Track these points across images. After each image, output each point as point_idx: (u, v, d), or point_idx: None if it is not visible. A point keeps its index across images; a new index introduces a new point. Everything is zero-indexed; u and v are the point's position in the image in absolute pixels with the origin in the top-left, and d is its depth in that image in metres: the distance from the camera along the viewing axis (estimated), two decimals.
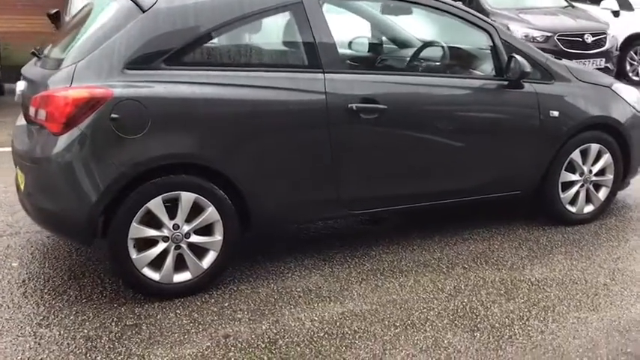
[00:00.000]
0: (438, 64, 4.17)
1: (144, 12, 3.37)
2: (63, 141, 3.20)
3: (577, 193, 4.54)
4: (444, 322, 3.29)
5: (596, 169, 4.55)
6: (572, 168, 4.48)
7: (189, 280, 3.51)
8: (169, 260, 3.44)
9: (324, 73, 3.62)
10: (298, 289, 3.62)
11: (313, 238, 4.31)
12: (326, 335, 3.16)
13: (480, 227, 4.51)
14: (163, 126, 3.30)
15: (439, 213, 4.60)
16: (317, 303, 3.48)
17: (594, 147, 4.49)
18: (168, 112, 3.32)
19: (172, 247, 3.44)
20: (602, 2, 11.32)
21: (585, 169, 4.51)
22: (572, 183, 4.51)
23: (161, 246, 3.42)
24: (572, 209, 4.55)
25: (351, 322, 3.28)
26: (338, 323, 3.28)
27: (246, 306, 3.44)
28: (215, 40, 3.48)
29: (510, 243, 4.29)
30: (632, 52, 10.95)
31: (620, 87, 4.69)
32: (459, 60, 4.22)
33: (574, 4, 10.85)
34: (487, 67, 4.17)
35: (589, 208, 4.62)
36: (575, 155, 4.44)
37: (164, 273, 3.45)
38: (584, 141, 4.44)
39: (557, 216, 4.55)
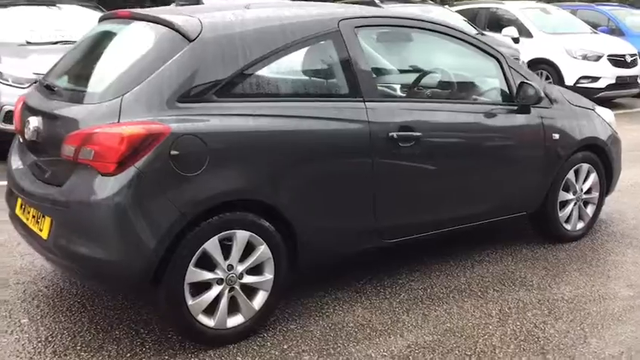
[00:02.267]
0: (458, 91, 4.24)
1: (191, 42, 3.16)
2: (117, 182, 2.91)
3: (571, 211, 4.75)
4: (511, 347, 3.31)
5: (586, 187, 4.80)
6: (566, 187, 4.68)
7: (242, 323, 3.30)
8: (223, 304, 3.22)
9: (364, 101, 3.56)
10: (350, 324, 3.50)
11: (332, 270, 4.19)
12: None
13: (485, 249, 4.59)
14: (221, 161, 3.10)
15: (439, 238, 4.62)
16: (377, 337, 3.38)
17: (585, 166, 4.74)
18: (225, 147, 3.12)
19: (227, 290, 3.22)
20: (503, 30, 12.04)
21: (577, 187, 4.74)
22: (567, 202, 4.71)
23: (216, 289, 3.19)
24: (568, 227, 4.76)
25: (423, 355, 3.22)
26: (410, 357, 3.20)
27: (307, 346, 3.28)
28: (261, 71, 3.32)
29: (524, 263, 4.40)
30: None
31: (600, 109, 4.99)
32: (474, 87, 4.31)
33: (482, 32, 11.46)
34: (496, 93, 4.28)
35: (580, 225, 4.85)
36: (570, 175, 4.66)
37: (219, 318, 3.22)
38: (577, 161, 4.66)
39: (555, 234, 4.73)
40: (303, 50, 3.48)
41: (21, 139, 3.71)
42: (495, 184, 4.23)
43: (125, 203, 2.92)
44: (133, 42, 3.46)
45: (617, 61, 11.58)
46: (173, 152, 2.96)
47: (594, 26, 13.35)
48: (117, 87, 3.09)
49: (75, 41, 7.38)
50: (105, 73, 3.32)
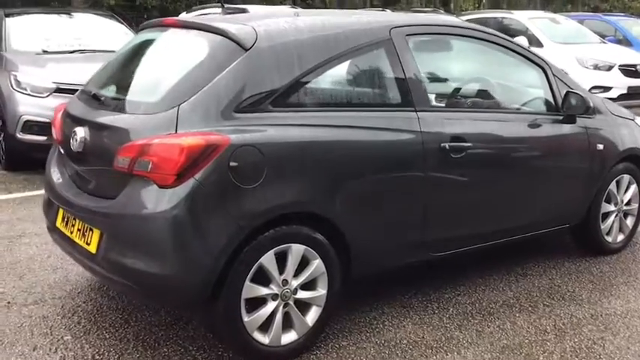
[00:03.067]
0: (505, 100, 4.16)
1: (246, 50, 3.07)
2: (176, 194, 2.81)
3: (612, 223, 4.66)
4: None
5: (626, 198, 4.71)
6: (608, 199, 4.60)
7: (296, 340, 3.20)
8: (278, 320, 3.12)
9: (416, 111, 3.48)
10: (403, 341, 3.40)
11: (376, 284, 4.08)
12: None
13: (527, 262, 4.50)
14: (279, 173, 3.00)
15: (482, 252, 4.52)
16: (433, 355, 3.28)
17: (626, 177, 4.66)
18: (283, 158, 3.03)
19: (281, 306, 3.12)
20: (514, 39, 11.97)
21: (619, 199, 4.66)
22: (608, 214, 4.63)
23: (271, 305, 3.09)
24: (609, 239, 4.68)
25: None
26: None
27: None
28: (316, 80, 3.23)
29: (569, 276, 4.31)
30: None
31: (638, 118, 4.92)
32: (520, 96, 4.23)
33: None
34: (542, 102, 4.20)
35: (621, 237, 4.77)
36: (612, 186, 4.58)
37: (273, 335, 3.12)
38: (618, 172, 4.58)
39: (597, 246, 4.64)
40: (357, 59, 3.40)
41: (62, 150, 3.60)
42: (541, 195, 4.15)
43: (184, 216, 2.82)
44: (185, 51, 3.37)
45: (629, 70, 11.57)
46: (232, 164, 2.87)
47: (601, 36, 13.34)
48: (172, 97, 2.99)
49: (93, 50, 7.41)
50: (157, 83, 3.22)
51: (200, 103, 2.94)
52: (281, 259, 3.09)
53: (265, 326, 3.10)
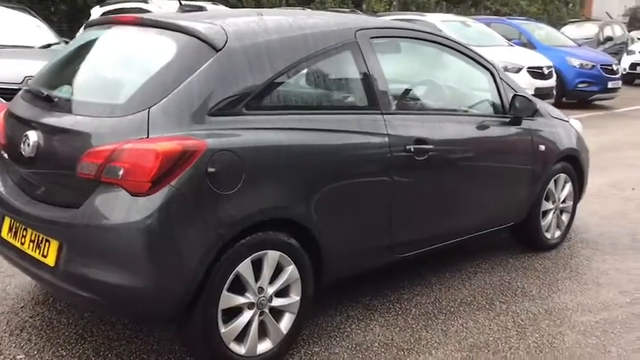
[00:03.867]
0: (460, 103, 4.24)
1: (217, 51, 2.95)
2: (151, 202, 2.66)
3: (550, 220, 4.86)
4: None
5: (562, 196, 4.92)
6: (547, 197, 4.78)
7: (271, 349, 3.12)
8: (254, 329, 3.04)
9: (382, 114, 3.48)
10: (374, 344, 3.39)
11: (335, 287, 4.04)
12: None
13: (473, 260, 4.61)
14: (257, 178, 2.91)
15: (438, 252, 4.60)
16: (407, 357, 3.29)
17: (562, 176, 4.86)
18: (260, 163, 2.94)
19: (257, 314, 3.03)
20: None
21: (557, 197, 4.86)
22: (547, 211, 4.82)
23: (247, 314, 3.00)
24: (548, 235, 4.87)
25: None
26: None
27: None
28: (287, 82, 3.16)
29: (515, 272, 4.45)
30: None
31: (572, 120, 5.15)
32: (473, 99, 4.31)
33: None
34: (491, 105, 4.31)
35: (558, 233, 4.97)
36: (551, 185, 4.77)
37: (249, 345, 3.03)
38: (556, 172, 4.78)
39: (536, 243, 4.82)
40: (325, 61, 3.34)
41: (5, 155, 3.34)
42: (493, 194, 4.26)
43: (160, 225, 2.67)
44: (147, 50, 3.20)
45: (536, 73, 12.13)
46: (210, 169, 2.75)
47: (507, 39, 13.90)
48: (140, 99, 2.83)
49: (6, 45, 6.96)
50: (121, 84, 3.05)
51: (172, 106, 2.80)
52: (256, 267, 3.00)
53: (241, 336, 3.00)
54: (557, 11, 28.74)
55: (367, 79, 3.46)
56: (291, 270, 3.11)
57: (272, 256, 3.02)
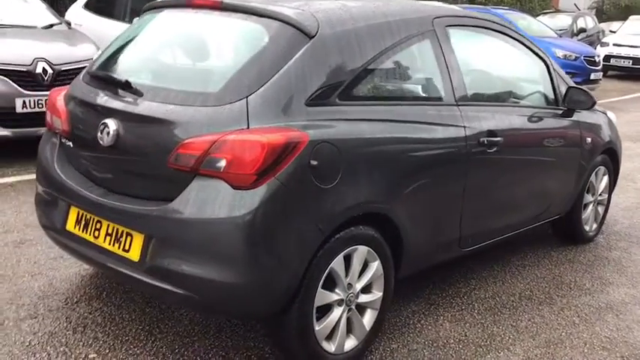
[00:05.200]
0: (522, 94, 4.18)
1: (310, 38, 2.82)
2: (256, 196, 2.53)
3: (589, 212, 4.87)
4: (617, 354, 3.30)
5: (600, 189, 4.94)
6: (587, 190, 4.78)
7: (356, 346, 3.04)
8: (343, 326, 2.95)
9: (457, 105, 3.40)
10: (450, 341, 3.34)
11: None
12: None
13: (517, 254, 4.58)
14: (352, 171, 2.81)
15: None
16: (487, 354, 3.24)
17: (602, 169, 4.87)
18: (356, 155, 2.83)
19: (346, 311, 2.94)
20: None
21: (596, 189, 4.86)
22: (587, 204, 4.82)
23: (337, 311, 2.91)
24: (587, 228, 4.88)
25: None
26: None
27: None
28: (375, 71, 3.05)
29: (563, 266, 4.44)
30: None
31: (608, 112, 5.15)
32: (534, 91, 4.25)
33: None
34: (547, 97, 4.26)
35: (594, 226, 4.99)
36: (592, 177, 4.77)
37: (338, 342, 2.94)
38: (597, 164, 4.78)
39: (577, 236, 4.82)
40: (407, 50, 3.24)
41: (71, 143, 3.16)
42: (550, 186, 4.26)
43: (266, 220, 2.55)
44: (235, 36, 3.04)
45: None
46: (312, 162, 2.64)
47: None
48: (236, 88, 2.69)
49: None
50: (211, 72, 2.92)
51: (270, 96, 2.67)
52: (345, 263, 2.91)
53: (330, 334, 2.91)
54: (529, 2, 29.02)
55: (445, 69, 3.37)
56: (376, 265, 3.03)
57: (361, 252, 2.93)
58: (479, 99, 3.65)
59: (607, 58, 19.36)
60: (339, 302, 2.90)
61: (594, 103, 4.22)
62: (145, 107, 2.80)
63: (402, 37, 3.19)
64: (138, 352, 3.05)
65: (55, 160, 3.22)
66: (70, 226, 3.08)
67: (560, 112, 4.26)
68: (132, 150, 2.82)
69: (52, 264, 3.93)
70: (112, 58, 3.28)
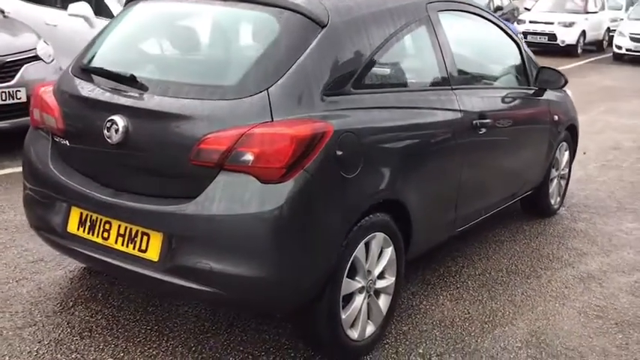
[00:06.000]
0: (500, 75, 4.29)
1: (322, 27, 2.80)
2: (285, 189, 2.50)
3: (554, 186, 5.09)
4: (613, 322, 3.49)
5: (563, 163, 5.16)
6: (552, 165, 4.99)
7: (374, 331, 3.08)
8: (364, 312, 2.98)
9: (452, 89, 3.47)
10: (456, 320, 3.43)
11: None
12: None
13: (491, 229, 4.72)
14: (372, 159, 2.82)
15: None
16: (494, 329, 3.35)
17: (564, 144, 5.09)
18: (374, 143, 2.85)
19: (366, 298, 2.98)
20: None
21: (560, 164, 5.08)
22: (552, 179, 5.03)
23: (359, 298, 2.93)
24: (552, 201, 5.10)
25: (551, 336, 3.27)
26: (542, 338, 3.23)
27: (441, 347, 3.15)
28: (382, 59, 3.05)
29: (537, 239, 4.63)
30: None
31: (567, 89, 5.35)
32: (511, 72, 4.36)
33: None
34: (521, 77, 4.39)
35: (558, 199, 5.22)
36: (557, 154, 4.98)
37: (360, 329, 2.96)
38: (561, 140, 4.99)
39: (544, 209, 5.03)
40: (408, 36, 3.27)
41: (64, 141, 3.02)
42: (527, 163, 4.42)
43: (297, 213, 2.53)
44: (244, 26, 2.97)
45: None
46: (338, 152, 2.63)
47: None
48: (254, 80, 2.64)
49: None
50: (224, 64, 2.84)
51: (290, 87, 2.64)
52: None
53: (353, 321, 2.94)
54: None
55: (440, 55, 3.43)
56: (390, 251, 3.06)
57: (379, 238, 2.96)
58: (468, 82, 3.73)
59: (525, 34, 20.08)
60: (360, 289, 2.92)
61: (566, 82, 4.38)
62: (156, 102, 2.70)
63: (403, 24, 3.21)
64: (154, 352, 2.98)
65: (49, 159, 3.07)
66: (73, 227, 2.95)
67: (532, 91, 4.40)
68: (144, 147, 2.72)
69: (35, 267, 3.76)
70: (107, 51, 3.13)
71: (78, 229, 2.93)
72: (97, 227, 2.86)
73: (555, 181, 5.06)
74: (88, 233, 2.89)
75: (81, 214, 2.93)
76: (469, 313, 3.50)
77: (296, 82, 2.65)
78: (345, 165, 2.67)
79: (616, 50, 18.31)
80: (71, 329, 3.14)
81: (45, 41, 6.44)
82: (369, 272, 2.96)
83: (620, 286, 3.91)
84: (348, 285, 2.83)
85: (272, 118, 2.56)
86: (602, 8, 21.71)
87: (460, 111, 3.45)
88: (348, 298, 2.89)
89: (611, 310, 3.61)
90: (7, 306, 3.33)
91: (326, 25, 2.80)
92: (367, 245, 2.91)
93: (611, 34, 20.96)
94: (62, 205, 2.99)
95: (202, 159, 2.55)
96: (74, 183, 2.94)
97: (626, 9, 24.70)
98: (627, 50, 18.02)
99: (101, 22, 7.77)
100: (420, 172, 3.18)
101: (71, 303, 3.38)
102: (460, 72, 3.59)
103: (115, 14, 7.90)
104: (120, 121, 2.72)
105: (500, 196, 4.21)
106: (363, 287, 2.93)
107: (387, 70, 3.11)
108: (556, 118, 4.68)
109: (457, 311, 3.51)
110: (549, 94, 4.62)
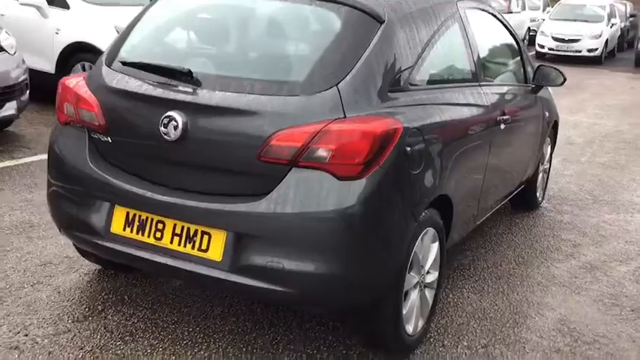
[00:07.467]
0: (510, 73, 4.39)
1: (381, 24, 2.80)
2: (363, 186, 2.48)
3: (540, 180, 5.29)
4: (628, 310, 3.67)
5: (546, 158, 5.37)
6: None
7: (423, 325, 3.11)
8: (417, 307, 3.01)
9: (480, 86, 3.55)
10: (488, 311, 3.51)
11: None
12: None
13: (487, 223, 4.79)
14: (431, 155, 2.85)
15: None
16: (526, 319, 3.45)
17: (548, 140, 5.29)
18: (433, 139, 2.87)
19: (419, 293, 3.01)
20: None
21: (545, 158, 5.29)
22: (539, 172, 5.22)
23: (414, 293, 2.96)
24: (538, 194, 5.30)
25: (579, 325, 3.40)
26: (566, 328, 3.35)
27: (484, 339, 3.22)
28: (430, 55, 3.07)
29: (534, 231, 4.80)
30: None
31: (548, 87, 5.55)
32: (515, 69, 4.48)
33: None
34: (519, 74, 4.52)
35: (542, 193, 5.42)
36: (544, 149, 5.17)
37: (414, 323, 2.99)
38: (546, 135, 5.18)
39: (532, 202, 5.22)
40: (446, 33, 3.29)
41: (108, 138, 2.88)
42: (527, 158, 4.56)
43: (375, 209, 2.53)
44: (301, 21, 2.91)
45: None
46: (407, 149, 2.65)
47: None
48: (322, 76, 2.60)
49: None
50: (288, 59, 2.79)
51: (359, 83, 2.62)
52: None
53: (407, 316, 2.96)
54: None
55: (470, 52, 3.50)
56: (436, 246, 3.11)
57: (430, 234, 3.00)
58: (489, 79, 3.81)
59: None
60: (415, 285, 2.95)
61: (565, 79, 4.55)
62: (219, 98, 2.62)
63: (442, 21, 3.25)
64: (205, 355, 2.90)
65: (87, 156, 2.92)
66: (118, 228, 2.82)
67: (530, 89, 4.55)
68: (205, 144, 2.63)
69: (46, 271, 3.58)
70: (152, 43, 3.01)
71: (124, 229, 2.81)
72: (148, 227, 2.75)
73: (541, 175, 5.24)
74: (137, 233, 2.78)
75: (127, 213, 2.80)
76: (497, 304, 3.59)
77: (364, 78, 2.64)
78: (412, 161, 2.69)
79: (538, 49, 19.09)
80: (111, 334, 3.01)
81: (7, 32, 6.10)
82: (422, 267, 2.98)
83: (623, 275, 4.11)
84: (410, 280, 2.85)
85: (344, 115, 2.54)
86: (524, 8, 22.63)
87: (488, 107, 3.53)
88: (406, 293, 2.90)
89: (623, 298, 3.79)
90: (32, 312, 3.16)
91: (384, 22, 2.80)
92: (421, 241, 2.94)
93: (531, 33, 21.91)
94: (104, 205, 2.85)
95: (273, 156, 2.50)
96: (119, 181, 2.81)
97: (544, 9, 25.89)
98: (550, 49, 18.84)
99: (55, 13, 7.36)
100: (461, 168, 3.23)
101: (99, 307, 3.24)
102: (484, 68, 3.67)
103: (69, 5, 7.48)
104: (178, 117, 2.62)
105: (508, 190, 4.33)
106: (417, 282, 2.95)
107: (434, 67, 3.15)
108: (547, 114, 4.87)
109: (485, 303, 3.59)
110: (541, 92, 4.79)
